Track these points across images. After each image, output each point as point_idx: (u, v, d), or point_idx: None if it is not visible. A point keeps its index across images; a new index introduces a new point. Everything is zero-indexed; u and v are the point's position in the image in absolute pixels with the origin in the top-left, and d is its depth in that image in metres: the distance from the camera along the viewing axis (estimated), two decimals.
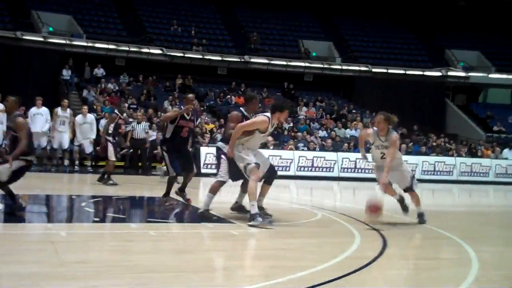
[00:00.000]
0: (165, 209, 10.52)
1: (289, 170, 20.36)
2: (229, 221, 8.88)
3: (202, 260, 6.25)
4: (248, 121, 8.81)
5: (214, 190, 8.97)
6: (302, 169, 20.67)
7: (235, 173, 8.90)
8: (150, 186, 14.66)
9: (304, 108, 26.92)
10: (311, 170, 20.78)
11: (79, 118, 17.55)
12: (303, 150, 21.71)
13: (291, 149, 21.12)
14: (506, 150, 24.52)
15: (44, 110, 17.21)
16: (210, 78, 28.75)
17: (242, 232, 8.08)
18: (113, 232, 7.82)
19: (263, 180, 9.07)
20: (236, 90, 27.72)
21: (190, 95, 10.81)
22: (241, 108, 9.50)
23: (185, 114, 10.20)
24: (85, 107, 18.36)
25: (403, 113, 28.05)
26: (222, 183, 9.00)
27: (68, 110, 17.58)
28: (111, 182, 13.74)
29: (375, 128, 9.56)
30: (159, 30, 30.68)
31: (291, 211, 11.17)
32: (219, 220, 9.07)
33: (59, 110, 17.29)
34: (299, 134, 23.19)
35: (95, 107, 22.12)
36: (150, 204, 11.84)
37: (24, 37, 26.11)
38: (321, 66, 30.93)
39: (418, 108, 30.17)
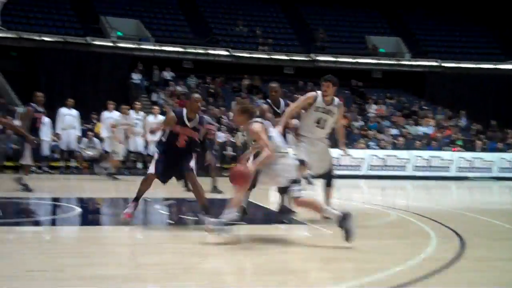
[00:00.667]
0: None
1: (360, 170, 20.12)
2: (302, 222, 8.80)
3: (275, 262, 6.20)
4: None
5: None
6: (373, 168, 20.39)
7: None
8: (222, 188, 14.71)
9: (374, 106, 26.54)
10: (383, 169, 20.47)
11: (150, 118, 17.77)
12: (374, 148, 21.41)
13: (362, 148, 20.86)
14: None
15: (116, 114, 17.47)
16: (276, 78, 28.64)
17: (315, 234, 8.01)
18: (187, 234, 7.86)
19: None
20: (303, 89, 27.56)
21: (196, 95, 8.52)
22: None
23: (186, 120, 8.24)
24: (156, 107, 18.60)
25: (477, 108, 27.38)
26: None
27: (141, 113, 17.81)
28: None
29: None
30: (225, 31, 30.90)
31: (363, 211, 10.97)
32: (292, 221, 9.01)
33: (132, 113, 17.51)
34: (370, 132, 22.86)
35: (164, 109, 22.43)
36: (222, 206, 11.86)
37: (94, 43, 26.79)
38: (390, 62, 30.42)
39: (492, 103, 29.24)
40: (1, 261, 5.79)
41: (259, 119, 7.24)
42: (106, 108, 17.51)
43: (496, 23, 34.99)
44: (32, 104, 12.62)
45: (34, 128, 12.34)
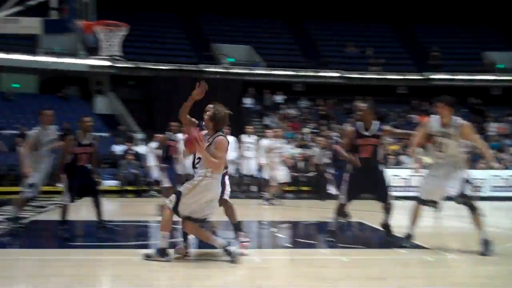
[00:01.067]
0: (354, 234, 10.28)
1: (482, 191, 19.17)
2: (423, 247, 8.43)
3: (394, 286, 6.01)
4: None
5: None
6: (496, 189, 19.39)
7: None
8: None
9: (494, 124, 25.37)
10: (507, 190, 19.41)
11: (264, 142, 17.76)
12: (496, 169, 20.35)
13: (483, 168, 19.89)
14: None
15: (231, 138, 17.63)
16: (389, 98, 28.18)
17: (438, 259, 7.66)
18: (305, 258, 7.74)
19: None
20: (417, 109, 26.88)
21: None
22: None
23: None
24: (270, 131, 18.62)
25: None
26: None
27: (253, 136, 17.89)
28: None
29: None
30: (335, 53, 30.77)
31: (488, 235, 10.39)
32: (413, 245, 8.65)
33: (244, 137, 17.62)
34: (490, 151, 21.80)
35: (277, 133, 22.52)
36: (338, 229, 11.62)
37: (207, 69, 27.46)
38: (510, 78, 29.02)
39: None
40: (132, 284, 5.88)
41: (222, 135, 7.21)
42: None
43: None
44: (166, 132, 12.99)
45: (167, 156, 12.55)
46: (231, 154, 17.43)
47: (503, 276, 6.70)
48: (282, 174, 16.37)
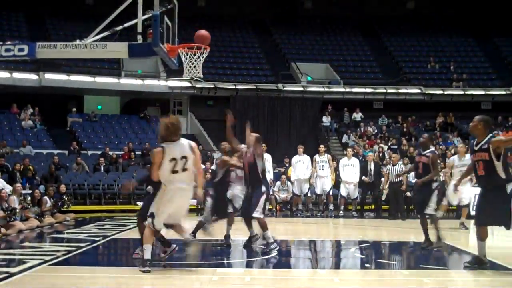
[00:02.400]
0: (436, 255, 9.93)
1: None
2: (508, 268, 8.05)
3: None
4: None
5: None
6: None
7: None
8: (414, 230, 14.09)
9: None
10: None
11: (344, 160, 17.67)
12: None
13: None
14: None
15: (305, 157, 17.61)
16: (473, 114, 27.25)
17: None
18: (386, 279, 7.54)
19: None
20: (502, 125, 25.93)
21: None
22: None
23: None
24: (350, 150, 18.47)
25: None
26: None
27: (326, 155, 17.72)
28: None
29: None
30: (416, 69, 30.21)
31: None
32: (502, 267, 8.27)
33: (317, 156, 17.56)
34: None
35: (355, 151, 22.25)
36: (417, 249, 11.30)
37: (285, 88, 27.53)
38: None
39: None
40: None
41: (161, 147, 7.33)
42: (297, 152, 17.74)
43: None
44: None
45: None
46: (306, 172, 17.42)
47: None
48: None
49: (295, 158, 17.66)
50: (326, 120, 26.41)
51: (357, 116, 26.93)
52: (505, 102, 27.35)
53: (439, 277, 7.64)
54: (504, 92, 27.83)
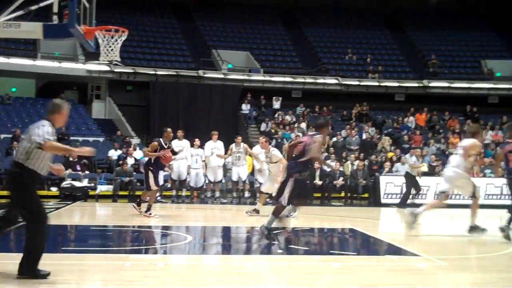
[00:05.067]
0: (347, 241, 10.32)
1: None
2: (415, 254, 8.47)
3: None
4: None
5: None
6: (490, 197, 19.39)
7: None
8: (330, 217, 14.52)
9: (490, 132, 25.37)
10: (500, 198, 19.39)
11: (256, 149, 17.92)
12: (490, 177, 20.39)
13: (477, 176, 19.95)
14: None
15: (220, 144, 17.72)
16: (387, 105, 28.23)
17: (429, 266, 7.68)
18: (297, 264, 7.76)
19: None
20: (413, 115, 26.91)
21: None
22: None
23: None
24: (262, 138, 18.72)
25: None
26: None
27: (242, 145, 17.84)
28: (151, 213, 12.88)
29: None
30: (334, 60, 30.85)
31: (481, 242, 10.42)
32: (403, 252, 8.69)
33: (233, 146, 17.73)
34: (486, 159, 21.84)
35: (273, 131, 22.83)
36: (332, 235, 11.68)
37: (206, 75, 27.52)
38: (507, 86, 29.08)
39: None
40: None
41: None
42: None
43: None
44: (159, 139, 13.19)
45: (155, 161, 12.87)
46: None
47: (489, 283, 6.72)
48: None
49: (210, 145, 17.71)
50: (245, 107, 26.62)
51: (276, 104, 27.26)
52: (417, 94, 28.37)
53: (348, 262, 7.93)
54: (416, 85, 28.87)
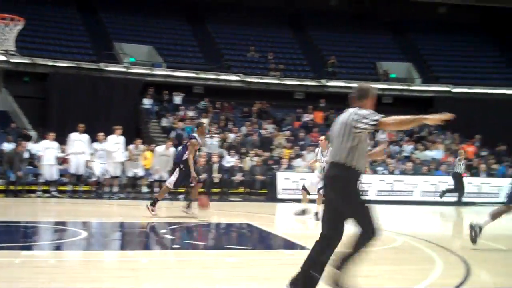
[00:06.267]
0: (243, 236, 10.55)
1: (368, 195, 20.08)
2: (306, 248, 8.77)
3: None
4: None
5: None
6: (381, 193, 20.32)
7: None
8: (228, 212, 14.75)
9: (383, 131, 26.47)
10: (390, 195, 20.38)
11: (159, 149, 18.11)
12: (382, 174, 21.36)
13: (369, 173, 20.82)
14: None
15: (121, 138, 17.62)
16: (287, 103, 28.82)
17: None
18: (192, 259, 7.89)
19: None
20: (312, 114, 27.62)
21: None
22: None
23: None
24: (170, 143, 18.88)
25: (488, 133, 27.25)
26: None
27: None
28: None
29: None
30: (236, 56, 31.12)
31: None
32: (296, 246, 9.02)
33: (132, 147, 17.76)
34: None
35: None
36: (228, 230, 11.90)
37: (107, 68, 27.06)
38: (400, 87, 30.44)
39: (504, 128, 29.02)
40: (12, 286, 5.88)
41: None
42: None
43: (508, 48, 35.08)
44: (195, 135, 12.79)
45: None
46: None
47: (378, 275, 7.08)
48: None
49: (112, 140, 17.53)
50: (147, 102, 26.38)
51: (178, 99, 27.19)
52: (317, 93, 29.12)
53: (243, 256, 8.14)
54: (316, 84, 29.65)
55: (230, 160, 20.55)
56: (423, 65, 32.77)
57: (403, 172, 21.62)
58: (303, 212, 13.24)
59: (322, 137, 13.54)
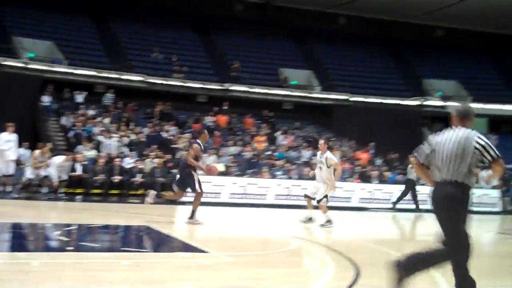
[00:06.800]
0: (140, 238, 10.52)
1: (266, 199, 20.49)
2: (203, 251, 8.92)
3: None
4: None
5: None
6: (279, 197, 20.75)
7: None
8: (126, 214, 14.64)
9: (283, 136, 27.03)
10: (288, 198, 20.83)
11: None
12: (281, 178, 21.81)
13: (267, 177, 21.24)
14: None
15: (14, 136, 17.11)
16: (189, 105, 28.81)
17: (216, 262, 8.14)
18: (86, 261, 7.80)
19: None
20: (215, 116, 27.79)
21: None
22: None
23: None
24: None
25: (382, 141, 28.45)
26: None
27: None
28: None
29: None
30: (140, 57, 30.78)
31: (266, 240, 11.22)
32: (193, 249, 9.11)
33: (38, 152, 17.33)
34: (278, 162, 23.30)
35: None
36: (125, 232, 11.81)
37: (4, 63, 26.05)
38: (300, 94, 31.19)
39: (397, 137, 30.38)
40: None
41: None
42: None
43: (403, 61, 36.80)
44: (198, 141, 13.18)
45: None
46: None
47: (271, 277, 7.28)
48: None
49: (4, 137, 16.99)
50: (46, 99, 25.60)
51: (79, 98, 26.59)
52: (219, 97, 29.28)
53: (138, 259, 8.13)
54: (219, 87, 29.81)
55: (130, 162, 20.36)
56: (323, 73, 33.71)
57: (301, 177, 22.15)
58: (310, 220, 13.69)
59: (322, 141, 13.83)
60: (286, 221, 16.68)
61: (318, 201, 13.40)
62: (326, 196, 13.33)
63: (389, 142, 28.72)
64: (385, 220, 19.30)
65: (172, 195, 13.33)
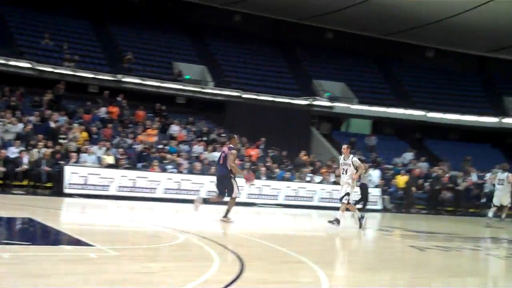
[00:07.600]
0: (23, 231, 10.25)
1: (155, 192, 20.42)
2: (89, 244, 8.85)
3: (56, 285, 6.17)
4: None
5: None
6: (169, 191, 20.75)
7: None
8: (10, 206, 14.18)
9: (175, 129, 26.98)
10: (178, 193, 20.88)
11: None
12: (171, 172, 21.79)
13: (158, 171, 21.15)
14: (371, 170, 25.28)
15: None
16: (80, 95, 28.11)
17: (101, 256, 8.07)
18: None
19: None
20: (105, 106, 27.27)
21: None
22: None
23: None
24: None
25: (272, 139, 29.06)
26: None
27: None
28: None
29: None
30: (30, 43, 29.66)
31: (154, 234, 11.25)
32: (78, 242, 9.01)
33: None
34: (169, 156, 23.27)
35: None
36: (7, 225, 11.47)
37: None
38: (194, 89, 31.24)
39: (286, 135, 31.14)
40: None
41: None
42: None
43: (295, 61, 37.69)
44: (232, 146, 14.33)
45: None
46: None
47: (157, 272, 7.34)
48: None
49: None
50: None
51: None
52: (112, 88, 28.63)
53: (20, 252, 7.91)
54: (111, 78, 29.18)
55: (15, 151, 19.66)
56: (216, 69, 33.94)
57: (191, 172, 22.25)
58: (337, 222, 14.29)
59: (345, 146, 14.98)
60: (175, 215, 16.76)
61: (341, 199, 14.58)
62: (348, 194, 14.39)
63: (279, 140, 29.38)
64: (272, 216, 19.80)
65: (215, 198, 14.64)
